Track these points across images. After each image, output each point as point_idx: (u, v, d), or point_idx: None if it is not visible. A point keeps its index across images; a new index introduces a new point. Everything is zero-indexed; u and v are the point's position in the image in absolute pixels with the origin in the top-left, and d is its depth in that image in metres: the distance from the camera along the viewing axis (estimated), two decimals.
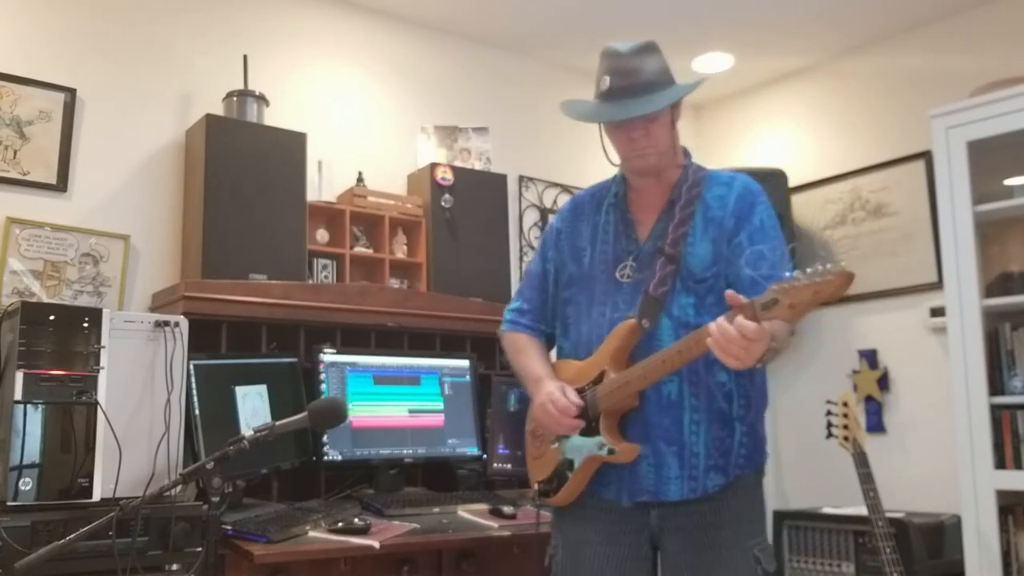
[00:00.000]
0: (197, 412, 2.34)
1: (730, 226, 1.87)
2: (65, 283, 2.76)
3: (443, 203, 3.40)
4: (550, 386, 1.88)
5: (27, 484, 1.91)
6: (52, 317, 2.01)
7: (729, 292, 1.60)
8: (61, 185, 2.81)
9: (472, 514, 2.60)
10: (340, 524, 2.26)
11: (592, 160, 1.83)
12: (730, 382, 1.84)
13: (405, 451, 2.86)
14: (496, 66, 4.01)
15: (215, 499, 1.75)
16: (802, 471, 4.05)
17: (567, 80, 4.21)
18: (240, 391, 2.53)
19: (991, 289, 3.05)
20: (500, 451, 2.90)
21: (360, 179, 3.39)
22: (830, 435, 3.05)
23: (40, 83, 2.81)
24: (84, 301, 2.78)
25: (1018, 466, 2.86)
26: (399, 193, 3.51)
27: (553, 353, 2.10)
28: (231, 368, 2.55)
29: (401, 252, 3.40)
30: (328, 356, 2.80)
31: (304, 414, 1.91)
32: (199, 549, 2.05)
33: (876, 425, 3.77)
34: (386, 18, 3.69)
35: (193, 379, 2.35)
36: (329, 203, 3.28)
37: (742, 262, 1.84)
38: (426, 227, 3.39)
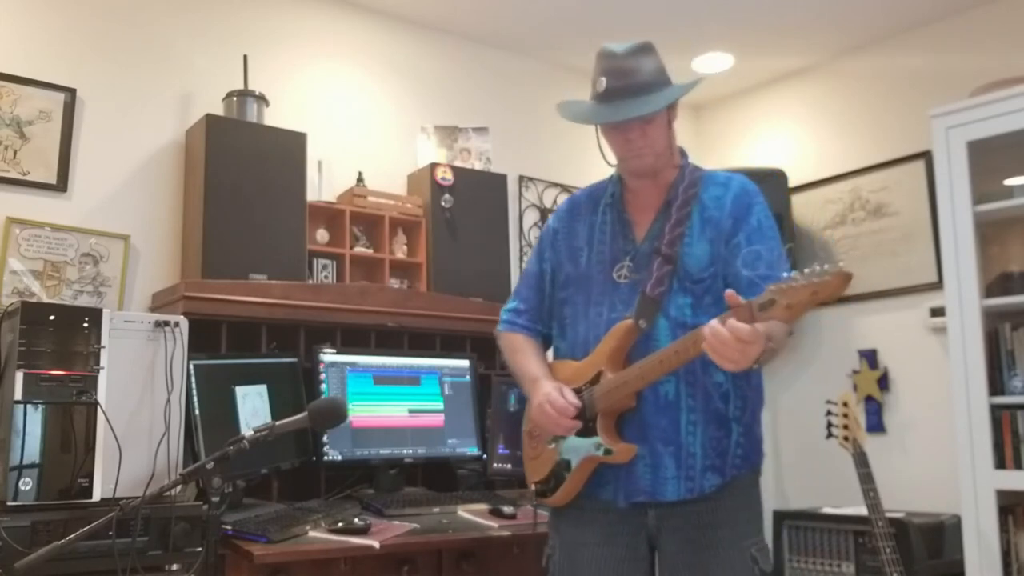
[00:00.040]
0: (197, 412, 2.34)
1: (728, 227, 1.87)
2: (65, 283, 2.77)
3: (443, 203, 3.40)
4: (547, 386, 1.88)
5: (27, 484, 1.91)
6: (52, 317, 2.01)
7: (729, 292, 1.60)
8: (61, 185, 2.81)
9: (472, 514, 2.60)
10: (340, 524, 2.26)
11: (592, 160, 1.84)
12: (727, 383, 1.84)
13: (405, 451, 2.86)
14: (496, 66, 4.01)
15: (215, 499, 1.75)
16: (802, 471, 4.05)
17: (567, 80, 4.21)
18: (240, 391, 2.53)
19: (991, 289, 3.05)
20: (500, 451, 2.90)
21: (360, 179, 3.39)
22: (830, 435, 3.05)
23: (40, 83, 2.81)
24: (84, 301, 2.78)
25: (1018, 466, 2.86)
26: (399, 193, 3.51)
27: (549, 353, 2.10)
28: (231, 368, 2.55)
29: (401, 252, 3.40)
30: (328, 356, 2.80)
31: (304, 414, 1.91)
32: (199, 549, 2.05)
33: (876, 425, 3.77)
34: (386, 18, 3.69)
35: (193, 379, 2.35)
36: (329, 203, 3.28)
37: (739, 263, 1.84)
38: (426, 227, 3.39)
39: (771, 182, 3.90)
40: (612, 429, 1.84)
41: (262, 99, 3.07)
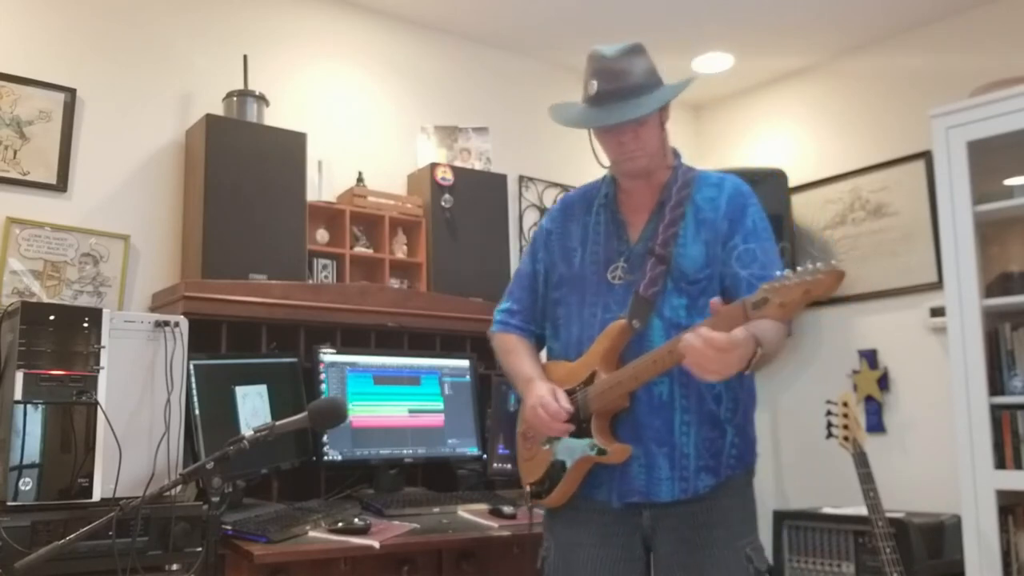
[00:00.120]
0: (197, 412, 2.34)
1: (724, 229, 1.87)
2: (65, 283, 2.77)
3: (443, 203, 3.40)
4: (541, 388, 1.87)
5: (27, 484, 1.91)
6: (52, 317, 2.01)
7: (713, 300, 1.62)
8: (61, 185, 2.81)
9: (472, 514, 2.60)
10: (340, 524, 2.26)
11: (591, 160, 1.83)
12: (719, 384, 1.83)
13: (405, 451, 2.86)
14: (496, 66, 4.01)
15: (215, 499, 1.75)
16: (802, 471, 4.05)
17: (567, 80, 4.22)
18: (240, 391, 2.53)
19: (991, 289, 3.05)
20: (500, 451, 2.90)
21: (360, 179, 3.39)
22: (830, 435, 3.05)
23: (40, 83, 2.81)
24: (84, 301, 2.78)
25: (1018, 466, 2.86)
26: (399, 193, 3.51)
27: (543, 354, 2.10)
28: (231, 368, 2.55)
29: (401, 252, 3.40)
30: (328, 356, 2.80)
31: (304, 414, 1.91)
32: (199, 549, 2.05)
33: (876, 425, 3.77)
34: (386, 18, 3.69)
35: (193, 379, 2.35)
36: (329, 203, 3.28)
37: (735, 263, 1.85)
38: (426, 227, 3.39)
39: (771, 182, 3.90)
40: (606, 430, 1.84)
41: (262, 99, 3.07)
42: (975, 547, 2.88)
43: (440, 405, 2.98)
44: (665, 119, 1.91)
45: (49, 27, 2.88)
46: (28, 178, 2.76)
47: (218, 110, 3.07)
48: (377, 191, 3.37)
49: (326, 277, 3.21)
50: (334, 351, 2.83)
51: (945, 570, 3.11)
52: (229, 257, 2.81)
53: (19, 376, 1.94)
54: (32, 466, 1.92)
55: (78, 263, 2.79)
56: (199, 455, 2.30)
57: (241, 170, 2.89)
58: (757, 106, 4.48)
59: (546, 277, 2.06)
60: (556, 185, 4.07)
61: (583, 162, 4.10)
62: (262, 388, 2.62)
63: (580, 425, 1.84)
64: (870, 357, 3.83)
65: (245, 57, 3.14)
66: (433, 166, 3.44)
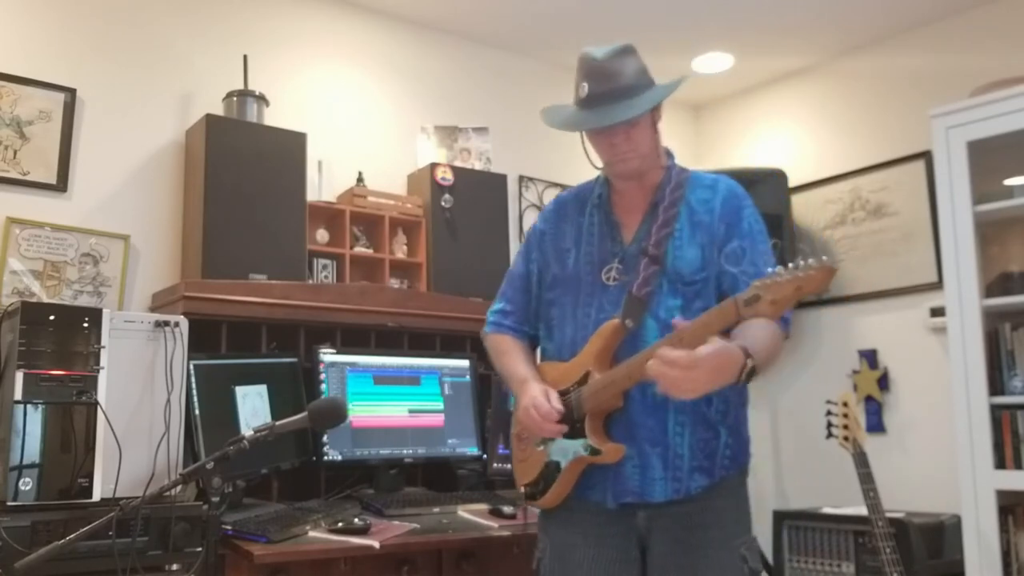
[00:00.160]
0: (197, 412, 2.34)
1: (721, 232, 1.88)
2: (65, 283, 2.77)
3: (443, 203, 3.40)
4: (534, 389, 1.87)
5: (27, 484, 1.91)
6: (52, 317, 2.01)
7: (675, 320, 1.64)
8: (61, 185, 2.81)
9: (472, 514, 2.60)
10: (340, 524, 2.26)
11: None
12: None
13: (405, 451, 2.86)
14: (496, 66, 4.01)
15: (215, 499, 1.75)
16: (802, 471, 4.05)
17: (567, 80, 4.17)
18: (240, 391, 2.53)
19: (991, 289, 3.05)
20: (500, 451, 2.90)
21: (360, 179, 3.39)
22: (830, 435, 3.05)
23: (40, 83, 2.81)
24: (84, 301, 2.78)
25: (1018, 466, 2.86)
26: (399, 193, 3.51)
27: (537, 354, 2.10)
28: (231, 368, 2.55)
29: (401, 252, 3.40)
30: (328, 356, 2.80)
31: (304, 414, 1.91)
32: (199, 549, 2.05)
33: (876, 425, 3.77)
34: (386, 18, 3.69)
35: (193, 379, 2.35)
36: (329, 203, 3.28)
37: (726, 261, 1.85)
38: (426, 227, 3.39)
39: (771, 182, 3.90)
40: (600, 430, 1.84)
41: (262, 99, 3.07)
42: (975, 547, 2.88)
43: (440, 405, 2.98)
44: (657, 119, 1.91)
45: (49, 27, 2.88)
46: (28, 178, 2.76)
47: (218, 110, 3.07)
48: (377, 191, 3.37)
49: (326, 277, 3.21)
50: (334, 351, 2.83)
51: (945, 570, 3.11)
52: (229, 257, 2.81)
53: (19, 376, 1.94)
54: (32, 466, 1.93)
55: (78, 263, 2.79)
56: (199, 455, 2.30)
57: (241, 170, 2.89)
58: (757, 106, 4.48)
59: (539, 278, 2.05)
60: (556, 185, 4.07)
61: (583, 162, 4.08)
62: (262, 388, 2.62)
63: (574, 425, 1.84)
64: (870, 357, 3.83)
65: (245, 57, 3.14)
66: (433, 166, 3.44)
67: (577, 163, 4.28)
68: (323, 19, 3.52)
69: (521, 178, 3.99)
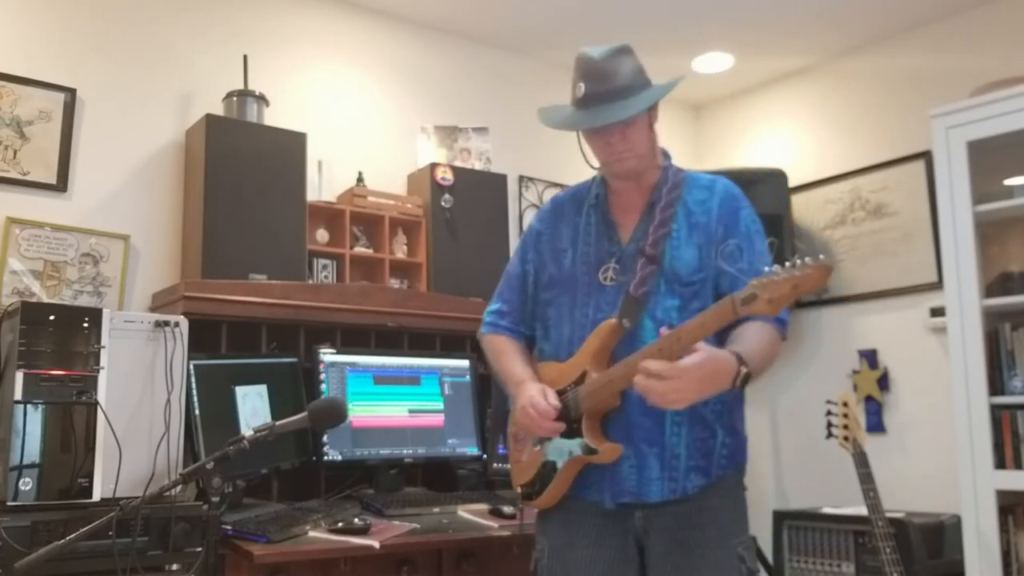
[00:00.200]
0: (197, 412, 2.34)
1: (719, 233, 1.88)
2: (65, 283, 2.77)
3: (443, 203, 3.40)
4: (531, 389, 1.87)
5: (27, 484, 1.91)
6: (52, 317, 2.01)
7: (662, 329, 1.66)
8: (61, 185, 2.81)
9: (472, 514, 2.60)
10: (340, 524, 2.26)
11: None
12: None
13: (405, 451, 2.86)
14: (496, 66, 4.01)
15: (215, 499, 1.75)
16: (802, 471, 4.05)
17: (567, 80, 4.16)
18: (240, 391, 2.53)
19: (991, 289, 3.05)
20: (500, 451, 2.90)
21: (360, 179, 3.39)
22: (830, 435, 3.05)
23: (40, 83, 2.81)
24: (84, 301, 2.78)
25: (1018, 466, 2.86)
26: (399, 193, 3.51)
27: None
28: (231, 368, 2.55)
29: (401, 252, 3.40)
30: (328, 356, 2.80)
31: (304, 414, 1.91)
32: (199, 549, 2.05)
33: (876, 425, 3.77)
34: (386, 18, 3.69)
35: (193, 379, 2.35)
36: (329, 203, 3.28)
37: (723, 260, 1.86)
38: (426, 227, 3.39)
39: (771, 182, 3.90)
40: (597, 429, 1.84)
41: (262, 99, 3.07)
42: (975, 547, 2.88)
43: (440, 405, 2.98)
44: (654, 120, 1.92)
45: (49, 27, 2.88)
46: (28, 178, 2.76)
47: (218, 110, 3.07)
48: (377, 191, 3.37)
49: (326, 277, 3.21)
50: (334, 351, 2.83)
51: (945, 570, 3.11)
52: (229, 257, 2.81)
53: (19, 376, 1.94)
54: (32, 466, 1.93)
55: (78, 263, 2.79)
56: (199, 455, 2.30)
57: (241, 170, 2.89)
58: (757, 106, 4.48)
59: (536, 278, 2.05)
60: (556, 185, 4.07)
61: (582, 162, 4.09)
62: (262, 388, 2.62)
63: (571, 425, 1.84)
64: (870, 357, 3.83)
65: (245, 57, 3.14)
66: (433, 166, 3.44)
67: (577, 163, 4.27)
68: (323, 19, 3.52)
69: (521, 178, 3.99)
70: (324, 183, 3.30)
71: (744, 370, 1.64)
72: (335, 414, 1.97)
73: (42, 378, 1.96)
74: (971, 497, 2.90)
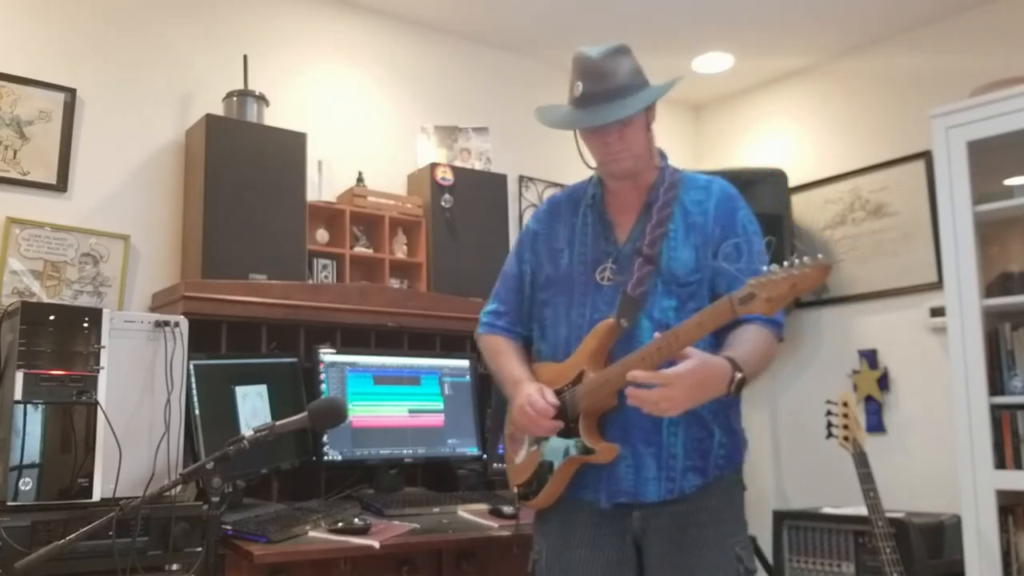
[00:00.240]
0: (197, 412, 2.34)
1: (716, 234, 1.88)
2: (65, 283, 2.77)
3: (443, 203, 3.40)
4: (528, 388, 1.87)
5: (27, 484, 1.91)
6: (52, 317, 2.01)
7: (656, 334, 1.68)
8: (61, 185, 2.81)
9: (472, 514, 2.60)
10: (340, 524, 2.26)
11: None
12: None
13: (405, 451, 2.86)
14: (496, 66, 4.01)
15: (215, 499, 1.75)
16: (802, 471, 4.05)
17: (567, 80, 4.19)
18: (240, 391, 2.53)
19: (991, 289, 3.05)
20: (500, 451, 2.90)
21: (360, 179, 3.39)
22: (830, 435, 3.05)
23: (40, 83, 2.81)
24: (84, 301, 2.78)
25: (1018, 466, 2.86)
26: (399, 193, 3.51)
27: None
28: (231, 368, 2.55)
29: (401, 252, 3.40)
30: (328, 356, 2.80)
31: (304, 414, 1.91)
32: (199, 549, 2.05)
33: (876, 425, 3.77)
34: (386, 18, 3.69)
35: (193, 379, 2.35)
36: (329, 203, 3.28)
37: (724, 260, 1.86)
38: (426, 227, 3.39)
39: (771, 182, 3.90)
40: (594, 429, 1.84)
41: (262, 99, 3.07)
42: (975, 547, 2.88)
43: (440, 405, 2.98)
44: (651, 120, 1.92)
45: (49, 27, 2.88)
46: (28, 178, 2.76)
47: (218, 110, 3.07)
48: (377, 191, 3.37)
49: (326, 277, 3.21)
50: (334, 351, 2.83)
51: (945, 570, 3.11)
52: (229, 257, 2.81)
53: (19, 376, 1.94)
54: (32, 466, 1.93)
55: (78, 263, 2.79)
56: (199, 455, 2.30)
57: (241, 170, 2.88)
58: (757, 106, 4.48)
59: (533, 278, 2.05)
60: (556, 185, 4.07)
61: (582, 162, 4.10)
62: (262, 388, 2.62)
63: (568, 425, 1.84)
64: (870, 357, 3.83)
65: (245, 57, 3.14)
66: (433, 166, 3.44)
67: (577, 163, 4.26)
68: (323, 19, 3.52)
69: (521, 178, 3.99)
70: (324, 183, 3.30)
71: (739, 375, 1.65)
72: (335, 414, 1.97)
73: (42, 378, 1.96)
74: (971, 497, 2.90)
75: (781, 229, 3.82)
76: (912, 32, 3.85)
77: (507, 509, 2.55)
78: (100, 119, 2.94)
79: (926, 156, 3.66)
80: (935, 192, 3.13)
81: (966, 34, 3.66)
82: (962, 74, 3.61)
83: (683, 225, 1.89)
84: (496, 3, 3.61)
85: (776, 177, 3.92)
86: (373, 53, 3.64)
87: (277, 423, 1.87)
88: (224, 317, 2.67)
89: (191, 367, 2.33)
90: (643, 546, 1.85)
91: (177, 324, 2.20)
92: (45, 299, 2.71)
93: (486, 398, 3.03)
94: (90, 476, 1.99)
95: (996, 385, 2.94)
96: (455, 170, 3.47)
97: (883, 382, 3.77)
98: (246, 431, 1.85)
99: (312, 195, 3.18)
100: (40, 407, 1.95)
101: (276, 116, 3.21)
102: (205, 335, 2.63)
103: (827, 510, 3.47)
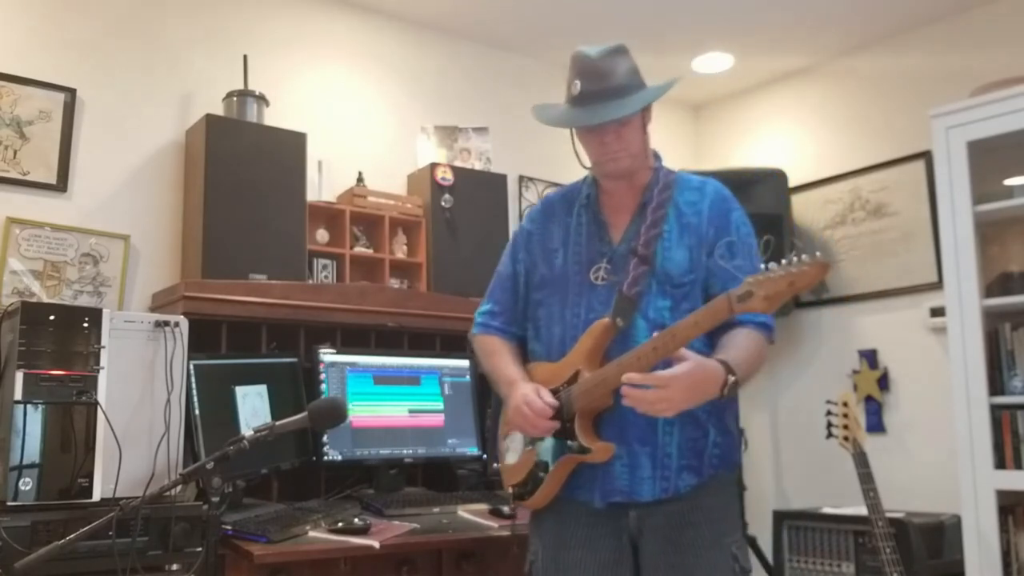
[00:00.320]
0: (197, 412, 2.34)
1: (710, 236, 1.89)
2: (65, 283, 2.77)
3: (443, 203, 3.40)
4: (524, 388, 1.87)
5: (27, 484, 1.91)
6: (52, 317, 2.01)
7: (655, 334, 1.67)
8: (61, 185, 2.81)
9: (472, 514, 2.60)
10: (340, 524, 2.26)
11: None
12: None
13: (405, 451, 2.86)
14: (496, 66, 4.01)
15: (215, 499, 1.75)
16: (802, 471, 4.05)
17: (566, 80, 4.20)
18: (240, 391, 2.53)
19: (991, 289, 3.05)
20: None
21: (360, 179, 3.39)
22: (830, 435, 3.05)
23: (40, 83, 2.81)
24: (84, 301, 2.78)
25: (1018, 466, 2.86)
26: (399, 193, 3.51)
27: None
28: (231, 368, 2.55)
29: (401, 252, 3.40)
30: (328, 356, 2.80)
31: (304, 414, 1.91)
32: (199, 549, 2.05)
33: (876, 425, 3.77)
34: (386, 18, 3.69)
35: (193, 379, 2.35)
36: (329, 203, 3.28)
37: (721, 258, 1.87)
38: (426, 227, 3.39)
39: (771, 182, 3.90)
40: (590, 428, 1.84)
41: (262, 99, 3.07)
42: (975, 547, 2.88)
43: (440, 405, 2.98)
44: (647, 120, 1.93)
45: (49, 27, 2.88)
46: (28, 178, 2.76)
47: (218, 110, 3.07)
48: (377, 191, 3.37)
49: (326, 277, 3.21)
50: (334, 351, 2.83)
51: (945, 570, 3.11)
52: (229, 257, 2.81)
53: (19, 376, 1.94)
54: (32, 466, 1.93)
55: (78, 263, 2.79)
56: (199, 455, 2.30)
57: (241, 170, 2.88)
58: (757, 106, 4.48)
59: (527, 278, 2.05)
60: (556, 185, 4.06)
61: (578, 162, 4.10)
62: (262, 388, 2.62)
63: (564, 425, 1.83)
64: (870, 357, 3.82)
65: (245, 57, 3.13)
66: (433, 166, 3.44)
67: (577, 163, 4.28)
68: (323, 19, 3.52)
69: (521, 178, 3.99)
70: (324, 183, 3.30)
71: (732, 378, 1.66)
72: (335, 414, 1.97)
73: (42, 378, 1.96)
74: (971, 497, 2.90)
75: (781, 229, 3.82)
76: (912, 32, 3.85)
77: (507, 509, 2.55)
78: (100, 119, 2.94)
79: (926, 156, 3.66)
80: (935, 192, 3.13)
81: (966, 34, 3.66)
82: (962, 74, 3.61)
83: (677, 226, 1.90)
84: (496, 3, 3.61)
85: (776, 177, 3.92)
86: (373, 53, 3.64)
87: (277, 423, 1.87)
88: (224, 317, 2.67)
89: (191, 367, 2.33)
90: (639, 546, 1.85)
91: (177, 324, 2.20)
92: (45, 299, 2.71)
93: (486, 398, 3.03)
94: (90, 476, 1.99)
95: (996, 385, 2.94)
96: (455, 170, 3.48)
97: (883, 382, 3.77)
98: (246, 431, 1.85)
99: (312, 195, 3.18)
100: (40, 407, 1.95)
101: (276, 116, 3.21)
102: (205, 335, 2.63)
103: (827, 510, 3.47)
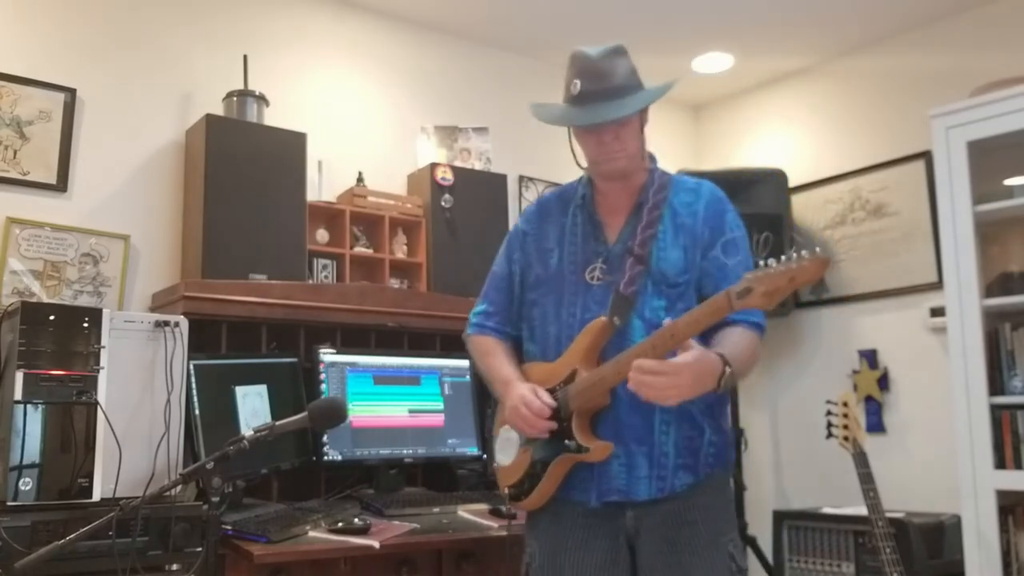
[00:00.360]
0: (197, 412, 2.34)
1: (705, 237, 1.89)
2: (65, 283, 2.77)
3: (443, 203, 3.40)
4: (521, 388, 1.87)
5: (27, 484, 1.91)
6: (52, 317, 2.01)
7: (665, 321, 1.66)
8: (61, 185, 2.81)
9: (472, 514, 2.60)
10: (340, 524, 2.26)
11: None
12: None
13: (405, 451, 2.86)
14: (496, 66, 4.01)
15: (215, 499, 1.75)
16: (802, 471, 4.05)
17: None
18: (240, 391, 2.53)
19: (991, 289, 3.05)
20: None
21: (360, 179, 3.39)
22: (830, 435, 3.05)
23: (40, 83, 2.81)
24: (84, 301, 2.78)
25: (1018, 466, 2.86)
26: (399, 193, 3.51)
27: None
28: (231, 368, 2.55)
29: (401, 252, 3.40)
30: (328, 356, 2.80)
31: (304, 414, 1.91)
32: (199, 549, 2.05)
33: (876, 425, 3.77)
34: (386, 18, 3.69)
35: (193, 379, 2.35)
36: (329, 203, 3.28)
37: (722, 254, 1.88)
38: (426, 227, 3.39)
39: (771, 182, 3.90)
40: (587, 428, 1.84)
41: (262, 99, 3.07)
42: (975, 547, 2.88)
43: (440, 405, 2.98)
44: (645, 122, 1.93)
45: (49, 27, 2.88)
46: (28, 178, 2.76)
47: (218, 110, 3.07)
48: (377, 191, 3.37)
49: (326, 277, 3.21)
50: (334, 351, 2.83)
51: (945, 570, 3.11)
52: (229, 257, 2.81)
53: (19, 376, 1.94)
54: (32, 466, 1.93)
55: (78, 263, 2.79)
56: (199, 455, 2.30)
57: (241, 170, 2.89)
58: (757, 106, 4.48)
59: (522, 278, 2.05)
60: (556, 185, 4.06)
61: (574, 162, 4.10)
62: (262, 388, 2.62)
63: (561, 424, 1.83)
64: (870, 357, 3.82)
65: (245, 57, 3.14)
66: (433, 166, 3.44)
67: (576, 163, 4.28)
68: (323, 19, 3.52)
69: (521, 178, 3.99)
70: (324, 183, 3.30)
71: (728, 370, 1.66)
72: (335, 414, 1.97)
73: (42, 378, 1.96)
74: (971, 497, 2.90)
75: (781, 229, 3.82)
76: (912, 32, 3.85)
77: (507, 509, 2.54)
78: (100, 119, 2.94)
79: (926, 156, 3.66)
80: (935, 192, 3.13)
81: (966, 34, 3.66)
82: (962, 74, 3.61)
83: (672, 226, 1.90)
84: (496, 3, 3.61)
85: (776, 177, 3.92)
86: (373, 53, 3.64)
87: (277, 423, 1.86)
88: (224, 317, 2.67)
89: (191, 367, 2.33)
90: (636, 546, 1.85)
91: (177, 324, 2.20)
92: (45, 299, 2.71)
93: (486, 398, 3.03)
94: (90, 476, 1.99)
95: (996, 385, 2.94)
96: (455, 170, 3.47)
97: (883, 382, 3.77)
98: (246, 431, 1.84)
99: (312, 195, 3.18)
100: (40, 407, 1.95)
101: (276, 116, 3.21)
102: (205, 335, 2.63)
103: (827, 510, 3.47)
